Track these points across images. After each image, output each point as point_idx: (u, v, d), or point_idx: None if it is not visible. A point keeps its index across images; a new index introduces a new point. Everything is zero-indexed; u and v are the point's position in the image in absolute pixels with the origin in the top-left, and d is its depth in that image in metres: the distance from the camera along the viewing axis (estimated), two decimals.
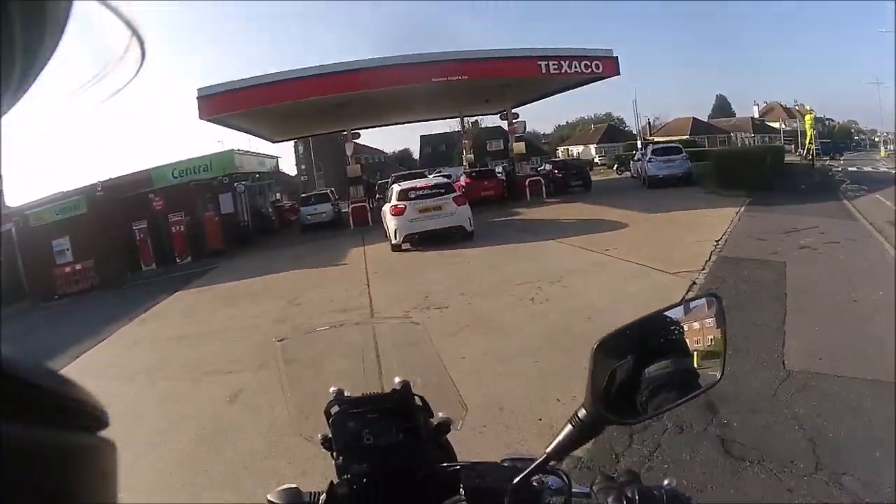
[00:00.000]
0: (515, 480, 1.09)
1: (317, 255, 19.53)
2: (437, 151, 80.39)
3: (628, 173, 42.75)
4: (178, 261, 24.34)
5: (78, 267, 22.12)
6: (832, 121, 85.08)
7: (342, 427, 1.25)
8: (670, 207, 19.09)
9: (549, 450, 1.10)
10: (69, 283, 21.68)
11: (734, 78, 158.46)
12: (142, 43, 0.55)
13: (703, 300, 1.23)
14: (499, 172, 33.88)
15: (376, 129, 41.00)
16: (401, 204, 17.41)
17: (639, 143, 54.81)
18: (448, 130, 73.66)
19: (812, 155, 37.73)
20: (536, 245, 15.37)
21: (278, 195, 44.49)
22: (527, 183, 29.56)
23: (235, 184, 28.45)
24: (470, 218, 17.56)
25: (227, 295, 14.71)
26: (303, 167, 67.60)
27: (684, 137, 64.46)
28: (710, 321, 1.20)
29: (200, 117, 24.89)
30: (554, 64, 26.85)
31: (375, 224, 24.65)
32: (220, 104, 24.66)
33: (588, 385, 1.08)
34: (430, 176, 29.78)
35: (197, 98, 24.79)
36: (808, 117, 43.35)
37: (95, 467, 0.49)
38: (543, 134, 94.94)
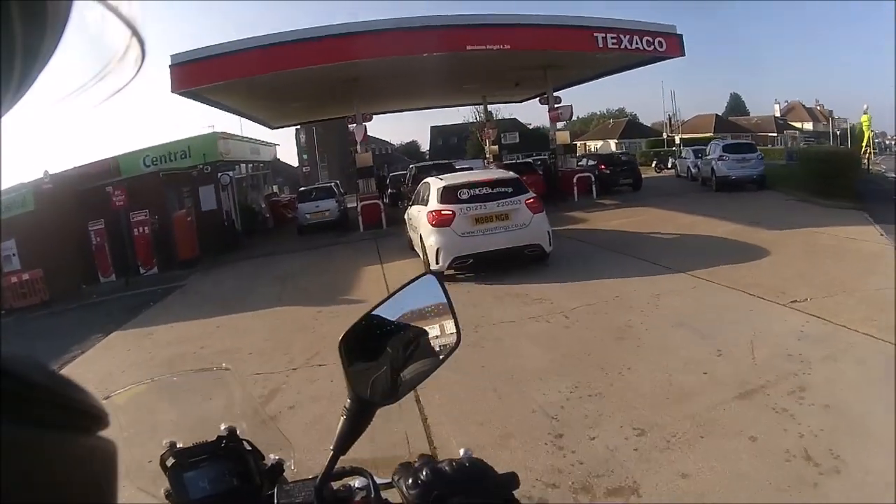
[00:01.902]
0: (316, 486, 1.18)
1: (316, 275, 14.62)
2: (449, 144, 77.37)
3: (668, 171, 39.82)
4: (141, 271, 19.20)
5: (25, 277, 16.95)
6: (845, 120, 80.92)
7: (178, 478, 1.25)
8: (783, 221, 14.66)
9: (332, 447, 1.16)
10: (17, 297, 16.58)
11: (743, 76, 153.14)
12: (142, 43, 0.56)
13: (423, 279, 1.35)
14: (538, 166, 29.30)
15: (386, 115, 35.65)
16: (447, 209, 11.85)
17: (671, 137, 53.39)
18: (461, 121, 71.57)
19: (869, 158, 32.93)
20: (660, 282, 10.10)
21: (276, 188, 39.25)
22: (575, 180, 24.73)
23: (219, 174, 23.24)
24: (550, 232, 12.18)
25: (164, 356, 9.25)
26: (305, 157, 62.12)
27: (708, 135, 62.08)
28: (436, 294, 1.33)
29: (174, 90, 19.51)
30: (612, 37, 21.79)
31: (391, 226, 20.93)
32: (197, 73, 19.33)
33: (345, 377, 1.18)
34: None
35: (170, 67, 19.45)
36: (864, 118, 39.19)
37: (95, 467, 0.50)
38: (546, 129, 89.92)
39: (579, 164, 29.19)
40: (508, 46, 20.39)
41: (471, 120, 66.66)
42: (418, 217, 12.89)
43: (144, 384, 1.47)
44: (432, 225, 11.81)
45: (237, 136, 28.96)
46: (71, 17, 0.45)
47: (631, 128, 77.69)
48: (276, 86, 21.74)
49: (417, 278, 1.35)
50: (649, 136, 69.35)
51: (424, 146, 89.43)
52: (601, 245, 14.20)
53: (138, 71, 0.59)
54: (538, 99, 28.44)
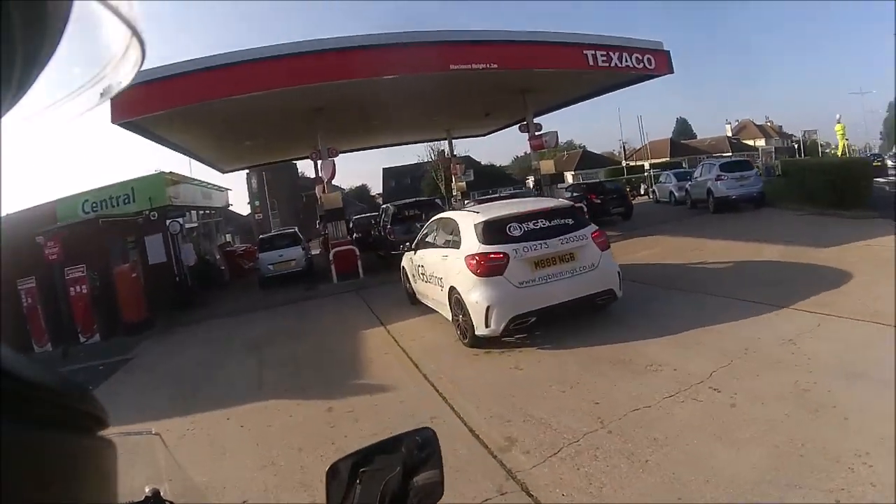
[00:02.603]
0: None
1: (301, 343, 11.70)
2: (402, 185, 75.63)
3: (641, 197, 39.65)
4: (81, 339, 16.11)
5: None
6: (793, 137, 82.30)
7: None
8: (823, 238, 13.67)
9: None
10: None
11: (684, 100, 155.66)
12: (142, 43, 0.56)
13: (422, 431, 1.43)
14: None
15: (347, 154, 32.89)
16: (497, 251, 8.89)
17: (636, 164, 55.53)
18: (413, 162, 71.64)
19: None
20: (774, 323, 8.15)
21: (228, 237, 36.15)
22: None
23: (169, 221, 20.18)
24: (619, 273, 9.56)
25: None
26: (257, 203, 58.86)
27: (665, 160, 64.41)
28: (428, 449, 1.38)
29: (113, 121, 16.54)
30: (602, 55, 20.24)
31: (369, 275, 19.17)
32: (139, 100, 16.41)
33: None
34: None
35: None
36: (838, 127, 40.54)
37: (95, 467, 0.51)
38: (500, 166, 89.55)
39: (567, 194, 27.05)
40: (495, 65, 18.37)
41: (424, 159, 66.99)
42: (440, 265, 10.26)
43: None
44: (476, 274, 8.87)
45: (188, 178, 25.91)
46: (71, 17, 0.46)
47: (586, 158, 77.64)
48: (229, 119, 19.58)
49: (417, 431, 1.41)
50: (605, 166, 69.65)
51: (374, 189, 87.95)
52: (652, 282, 11.89)
53: (138, 71, 0.58)
54: (518, 126, 26.19)
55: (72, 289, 16.20)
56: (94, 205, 20.46)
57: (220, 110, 17.92)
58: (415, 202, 24.02)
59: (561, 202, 10.67)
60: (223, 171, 34.70)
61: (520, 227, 9.11)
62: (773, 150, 65.09)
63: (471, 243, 9.24)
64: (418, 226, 18.95)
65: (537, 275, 8.84)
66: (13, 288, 15.95)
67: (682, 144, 79.53)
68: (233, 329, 14.38)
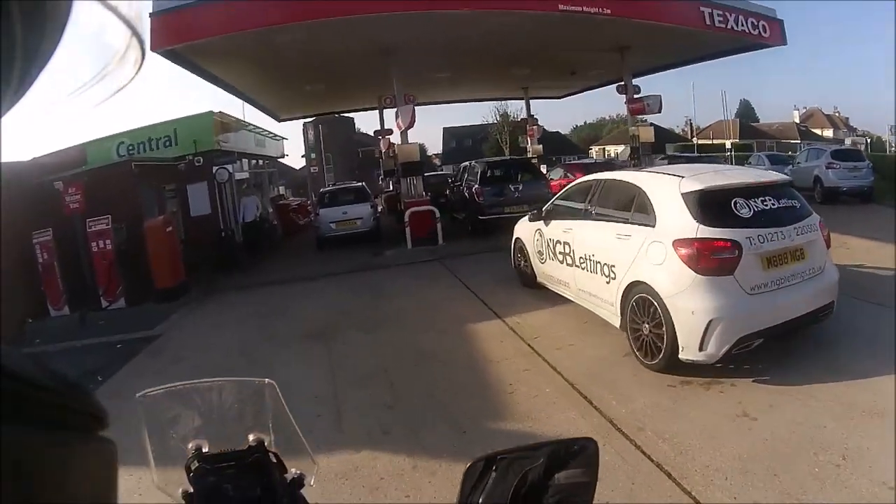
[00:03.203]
0: None
1: (383, 333, 8.80)
2: (463, 146, 71.88)
3: None
4: (104, 303, 13.21)
5: None
6: (858, 130, 78.18)
7: (202, 483, 1.24)
8: None
9: None
10: None
11: (747, 81, 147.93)
12: (142, 43, 0.57)
13: (582, 442, 1.28)
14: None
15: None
16: (724, 238, 5.91)
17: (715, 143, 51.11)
18: (472, 123, 69.23)
19: None
20: None
21: (281, 189, 33.20)
22: None
23: (216, 168, 17.22)
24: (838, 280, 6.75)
25: None
26: (312, 156, 55.81)
27: (734, 141, 59.94)
28: (582, 462, 1.24)
29: (153, 48, 13.49)
30: (719, 15, 18.01)
31: (450, 242, 16.44)
32: (185, 24, 13.56)
33: (482, 491, 1.15)
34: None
35: (150, 16, 13.69)
36: None
37: (95, 467, 0.51)
38: (564, 134, 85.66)
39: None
40: (609, 11, 15.75)
41: (489, 120, 65.30)
42: (609, 248, 7.20)
43: (179, 386, 1.39)
44: (696, 270, 5.83)
45: (241, 121, 22.77)
46: (71, 17, 0.46)
47: (655, 132, 72.90)
48: (288, 59, 17.56)
49: (577, 440, 1.28)
50: (673, 142, 65.42)
51: (432, 149, 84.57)
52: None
53: (138, 71, 0.58)
54: (616, 87, 22.76)
55: (94, 244, 13.28)
56: (130, 147, 17.67)
57: (279, 46, 15.49)
58: (509, 161, 20.82)
59: (781, 176, 7.36)
60: (279, 119, 31.43)
61: (748, 206, 6.11)
62: (867, 142, 61.08)
63: (679, 221, 6.17)
64: (512, 188, 17.08)
65: (769, 277, 5.96)
66: (28, 241, 13.17)
67: (751, 127, 74.98)
68: (286, 303, 11.39)
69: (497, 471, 1.17)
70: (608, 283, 7.07)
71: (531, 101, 32.26)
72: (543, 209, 9.30)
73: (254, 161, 24.87)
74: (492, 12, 14.52)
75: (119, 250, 13.29)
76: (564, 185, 17.69)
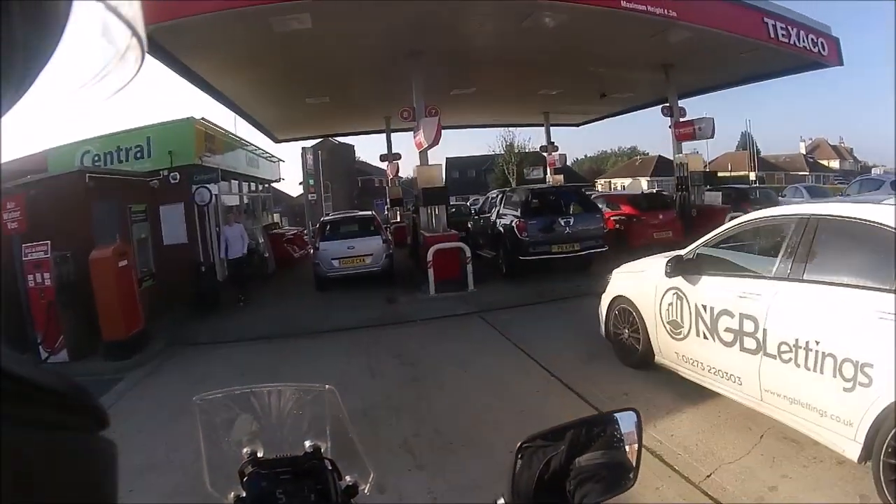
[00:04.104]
0: None
1: (447, 465, 5.33)
2: (466, 177, 70.39)
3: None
4: (42, 353, 10.10)
5: None
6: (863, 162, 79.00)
7: (256, 487, 1.26)
8: None
9: None
10: None
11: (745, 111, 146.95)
12: (142, 43, 0.57)
13: (625, 413, 1.34)
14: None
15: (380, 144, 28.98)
16: None
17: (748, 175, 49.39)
18: (479, 154, 68.60)
19: None
20: None
21: (276, 217, 30.08)
22: (727, 220, 15.76)
23: (196, 187, 14.38)
24: None
25: None
26: (311, 183, 52.86)
27: (743, 173, 58.86)
28: (631, 432, 1.31)
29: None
30: (783, 28, 16.37)
31: (482, 286, 13.40)
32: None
33: (509, 481, 1.18)
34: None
35: None
36: None
37: (95, 467, 0.51)
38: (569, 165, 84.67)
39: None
40: (674, 14, 14.00)
41: (493, 151, 64.38)
42: (830, 327, 4.43)
43: (237, 390, 1.42)
44: None
45: (229, 134, 19.57)
46: (71, 17, 0.45)
47: (661, 164, 71.07)
48: (286, 62, 15.27)
49: (618, 412, 1.34)
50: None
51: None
52: None
53: (138, 70, 0.58)
54: (661, 109, 20.52)
55: (30, 276, 10.19)
56: (95, 157, 14.89)
57: (278, 41, 13.21)
58: (557, 189, 17.53)
59: None
60: (277, 140, 28.73)
61: None
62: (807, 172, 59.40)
63: None
64: (562, 222, 14.13)
65: None
66: None
67: (762, 159, 74.14)
68: (275, 376, 8.04)
69: (522, 459, 1.20)
70: (846, 390, 4.17)
71: (554, 128, 30.15)
72: (683, 257, 6.32)
73: (245, 184, 21.77)
74: (549, 3, 12.28)
75: (63, 286, 10.21)
76: (617, 220, 14.67)
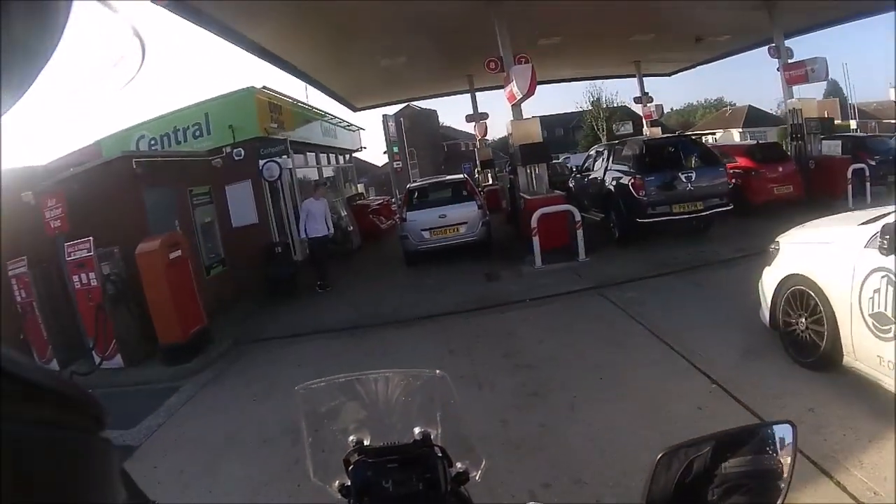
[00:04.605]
0: None
1: None
2: (554, 136, 67.50)
3: None
4: (95, 358, 8.91)
5: None
6: None
7: (362, 476, 1.24)
8: None
9: None
10: None
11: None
12: (142, 43, 0.57)
13: (780, 426, 1.22)
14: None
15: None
16: None
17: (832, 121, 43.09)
18: (565, 111, 65.77)
19: None
20: None
21: (361, 188, 28.82)
22: (850, 174, 14.82)
23: (263, 162, 13.15)
24: None
25: None
26: (395, 150, 51.38)
27: (838, 122, 53.39)
28: (787, 446, 1.19)
29: None
30: None
31: (596, 254, 11.63)
32: None
33: (645, 491, 1.10)
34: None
35: None
36: None
37: (95, 467, 0.50)
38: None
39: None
40: None
41: (580, 108, 62.52)
42: None
43: (342, 378, 1.36)
44: None
45: (298, 102, 18.07)
46: (71, 17, 0.45)
47: (752, 115, 67.96)
48: (354, 20, 13.93)
49: (778, 422, 1.22)
50: (775, 125, 56.64)
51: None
52: None
53: (139, 70, 0.58)
54: (768, 49, 18.23)
55: (75, 278, 8.99)
56: (152, 141, 13.86)
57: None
58: (675, 139, 15.33)
59: None
60: (355, 109, 27.33)
61: None
62: None
63: None
64: (683, 178, 12.18)
65: None
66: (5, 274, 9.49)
67: (858, 109, 69.38)
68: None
69: (660, 462, 1.12)
70: None
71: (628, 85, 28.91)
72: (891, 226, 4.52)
73: (323, 155, 20.34)
74: None
75: (112, 286, 8.91)
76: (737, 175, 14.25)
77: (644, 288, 9.11)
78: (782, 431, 1.20)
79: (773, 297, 5.90)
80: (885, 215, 4.69)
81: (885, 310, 4.40)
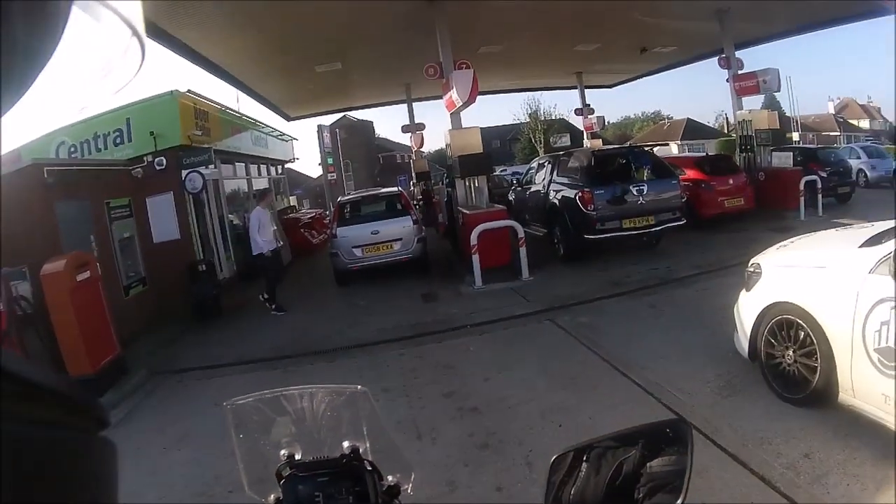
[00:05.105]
0: None
1: None
2: (490, 148, 66.55)
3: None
4: None
5: None
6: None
7: (294, 490, 1.24)
8: None
9: None
10: None
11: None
12: (142, 43, 0.57)
13: (674, 423, 1.28)
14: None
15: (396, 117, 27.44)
16: None
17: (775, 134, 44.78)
18: (498, 123, 65.14)
19: None
20: None
21: (293, 200, 28.08)
22: (802, 185, 14.82)
23: (187, 172, 12.28)
24: None
25: None
26: (329, 161, 50.25)
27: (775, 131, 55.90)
28: (676, 449, 1.21)
29: None
30: None
31: (540, 272, 11.16)
32: None
33: (546, 490, 1.16)
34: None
35: None
36: None
37: (95, 467, 0.50)
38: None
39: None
40: None
41: (517, 120, 62.88)
42: None
43: (268, 393, 1.35)
44: None
45: (225, 108, 16.95)
46: (71, 17, 0.46)
47: (690, 128, 69.58)
48: (296, 22, 13.47)
49: (668, 422, 1.29)
50: (712, 137, 62.12)
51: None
52: None
53: (138, 71, 0.59)
54: (718, 60, 18.38)
55: None
56: (72, 148, 12.89)
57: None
58: (625, 150, 14.95)
59: None
60: (289, 118, 26.62)
61: None
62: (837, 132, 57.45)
63: None
64: (634, 191, 11.83)
65: None
66: None
67: (786, 118, 72.36)
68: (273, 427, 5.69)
69: (589, 462, 1.16)
70: None
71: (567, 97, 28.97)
72: None
73: (254, 166, 19.56)
74: None
75: (19, 309, 8.04)
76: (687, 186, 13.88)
77: (597, 311, 8.62)
78: (677, 429, 1.25)
79: (753, 326, 5.40)
80: (883, 233, 4.36)
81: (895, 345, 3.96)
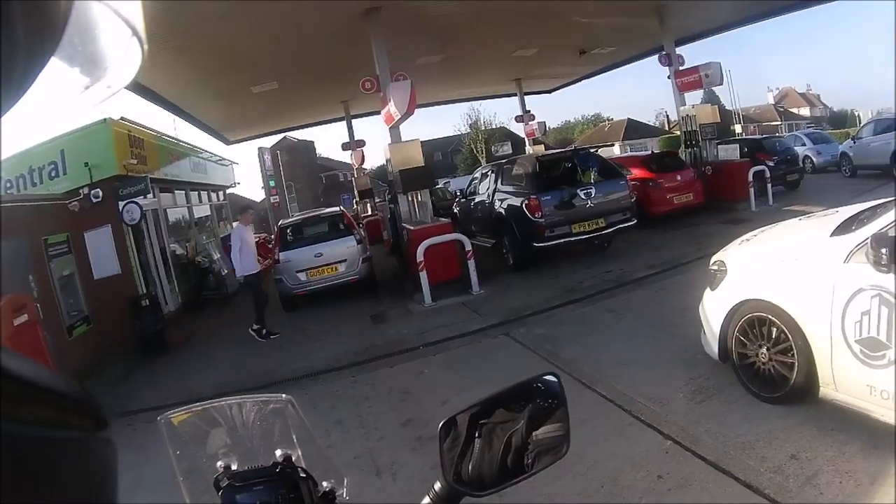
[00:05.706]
0: None
1: None
2: (432, 160, 66.81)
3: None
4: None
5: None
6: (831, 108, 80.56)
7: (232, 500, 1.25)
8: None
9: None
10: None
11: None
12: (142, 43, 0.57)
13: (547, 378, 1.33)
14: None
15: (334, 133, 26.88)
16: None
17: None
18: (438, 136, 63.93)
19: None
20: None
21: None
22: (751, 178, 15.14)
23: (124, 204, 11.88)
24: None
25: None
26: (272, 184, 49.46)
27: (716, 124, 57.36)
28: (553, 398, 1.29)
29: None
30: None
31: (490, 285, 11.18)
32: None
33: (440, 460, 1.20)
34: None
35: None
36: None
37: (95, 467, 0.51)
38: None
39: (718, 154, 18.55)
40: None
41: (457, 131, 62.70)
42: None
43: (202, 407, 1.37)
44: None
45: (163, 135, 16.87)
46: (71, 17, 0.45)
47: (631, 128, 70.17)
48: (221, 44, 13.08)
49: (539, 376, 1.34)
50: (653, 135, 62.79)
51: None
52: None
53: (138, 71, 0.59)
54: (658, 57, 18.44)
55: None
56: (8, 183, 12.66)
57: (210, 15, 11.32)
58: (570, 154, 14.37)
59: None
60: (228, 142, 26.21)
61: None
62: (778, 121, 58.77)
63: None
64: (582, 194, 11.78)
65: None
66: None
67: (730, 111, 73.89)
68: None
69: (481, 438, 1.21)
70: None
71: (526, 96, 28.23)
72: (887, 233, 4.01)
73: (194, 193, 19.28)
74: None
75: None
76: (636, 185, 13.93)
77: (553, 321, 8.51)
78: (548, 384, 1.32)
79: (722, 326, 5.31)
80: (852, 219, 4.35)
81: (878, 334, 3.96)
